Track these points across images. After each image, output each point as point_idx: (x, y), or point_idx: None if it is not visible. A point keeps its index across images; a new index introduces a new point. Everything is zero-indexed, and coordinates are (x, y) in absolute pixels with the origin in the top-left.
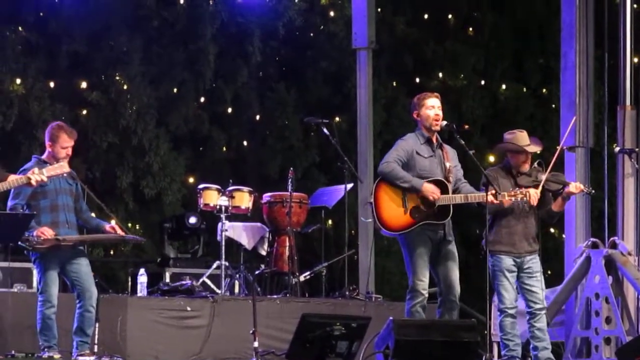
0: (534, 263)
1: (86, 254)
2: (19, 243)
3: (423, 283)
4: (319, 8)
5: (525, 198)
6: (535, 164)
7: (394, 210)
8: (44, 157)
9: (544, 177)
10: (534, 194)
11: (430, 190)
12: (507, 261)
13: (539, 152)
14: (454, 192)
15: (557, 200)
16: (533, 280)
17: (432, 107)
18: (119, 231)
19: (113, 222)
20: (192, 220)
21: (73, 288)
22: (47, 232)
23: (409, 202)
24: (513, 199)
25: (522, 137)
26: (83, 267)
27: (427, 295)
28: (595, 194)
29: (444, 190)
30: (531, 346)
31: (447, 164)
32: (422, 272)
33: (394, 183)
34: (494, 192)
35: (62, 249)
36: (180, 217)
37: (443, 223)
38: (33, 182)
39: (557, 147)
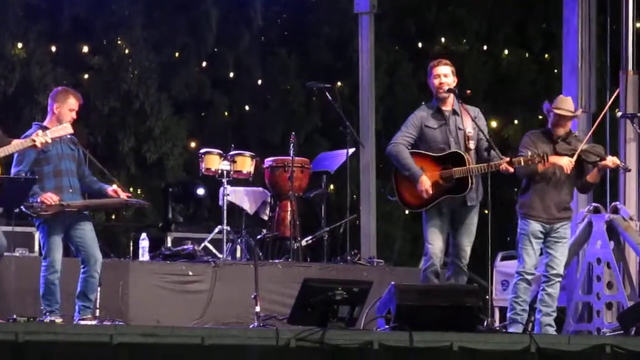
0: (564, 229)
1: (90, 219)
2: (24, 209)
3: (433, 247)
4: None
5: (542, 162)
6: (576, 133)
7: (414, 188)
8: (45, 123)
9: (581, 146)
10: (568, 164)
11: (423, 188)
12: (535, 226)
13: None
14: (483, 160)
15: (593, 172)
16: (558, 246)
17: (437, 75)
18: (122, 194)
19: (115, 186)
20: (200, 191)
21: (77, 253)
22: (51, 199)
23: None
24: (530, 163)
25: (566, 101)
26: (87, 232)
27: (439, 260)
28: None
29: (461, 162)
30: (537, 309)
31: (468, 131)
32: (432, 237)
33: (398, 167)
34: (508, 159)
35: (66, 214)
36: (186, 184)
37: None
38: (38, 143)
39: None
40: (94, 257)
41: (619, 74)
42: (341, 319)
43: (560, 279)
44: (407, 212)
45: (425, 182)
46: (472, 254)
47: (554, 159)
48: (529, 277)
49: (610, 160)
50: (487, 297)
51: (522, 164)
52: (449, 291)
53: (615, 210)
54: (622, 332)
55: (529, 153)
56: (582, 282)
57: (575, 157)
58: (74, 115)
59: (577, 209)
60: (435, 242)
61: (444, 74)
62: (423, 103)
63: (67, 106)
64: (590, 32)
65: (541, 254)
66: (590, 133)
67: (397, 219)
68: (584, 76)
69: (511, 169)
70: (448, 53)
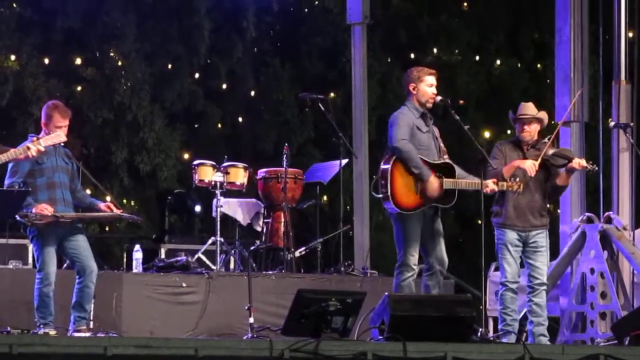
0: (541, 238)
1: (83, 231)
2: (18, 218)
3: (414, 258)
4: None
5: (519, 190)
6: (545, 139)
7: (406, 188)
8: (40, 136)
9: (549, 150)
10: (531, 165)
11: (433, 188)
12: (511, 235)
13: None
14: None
15: (561, 175)
16: (537, 255)
17: (431, 85)
18: (115, 210)
19: (108, 198)
20: (198, 208)
21: (73, 265)
22: (47, 210)
23: (420, 183)
24: (510, 189)
25: (526, 107)
26: (81, 243)
27: (417, 270)
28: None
29: (451, 173)
30: (528, 320)
31: (441, 145)
32: (414, 247)
33: (407, 163)
34: (495, 181)
35: (60, 225)
36: (181, 195)
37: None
38: (33, 152)
39: (555, 123)
40: (89, 267)
41: (611, 83)
42: (335, 329)
43: (545, 287)
44: None
45: (435, 182)
46: (467, 264)
47: (517, 162)
48: (513, 286)
49: (577, 162)
50: (481, 307)
51: (505, 188)
52: (442, 301)
53: (609, 220)
54: (616, 342)
55: (511, 180)
56: (575, 292)
57: (539, 160)
58: (63, 131)
59: (570, 219)
60: (415, 254)
61: (435, 85)
62: (405, 106)
63: (54, 124)
64: (582, 41)
65: (522, 263)
66: (552, 137)
67: (389, 228)
68: (576, 85)
69: (496, 189)
70: (440, 63)
